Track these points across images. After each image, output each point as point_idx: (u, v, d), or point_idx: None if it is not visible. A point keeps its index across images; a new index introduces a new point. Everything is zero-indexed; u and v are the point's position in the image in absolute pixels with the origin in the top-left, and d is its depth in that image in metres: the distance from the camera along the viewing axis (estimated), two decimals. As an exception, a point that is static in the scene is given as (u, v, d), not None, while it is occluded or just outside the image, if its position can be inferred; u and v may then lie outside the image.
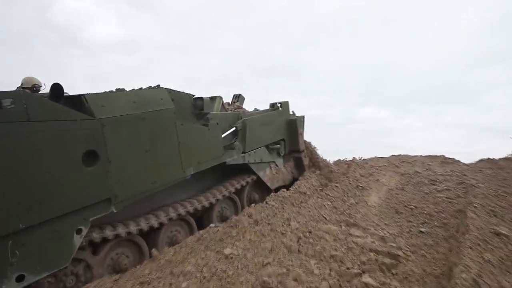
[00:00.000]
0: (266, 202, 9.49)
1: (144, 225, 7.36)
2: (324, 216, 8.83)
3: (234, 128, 9.81)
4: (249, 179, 10.10)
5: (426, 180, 11.31)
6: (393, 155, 14.88)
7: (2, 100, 5.52)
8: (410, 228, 8.37)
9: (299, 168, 11.88)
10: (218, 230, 8.01)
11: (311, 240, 7.52)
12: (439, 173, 11.94)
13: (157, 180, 7.27)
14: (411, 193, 10.42)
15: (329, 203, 9.70)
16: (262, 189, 10.66)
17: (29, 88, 7.84)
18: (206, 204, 8.70)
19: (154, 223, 7.56)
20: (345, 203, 9.78)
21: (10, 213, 5.52)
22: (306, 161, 11.94)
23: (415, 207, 9.47)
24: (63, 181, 6.02)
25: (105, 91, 7.12)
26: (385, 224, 8.60)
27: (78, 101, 6.59)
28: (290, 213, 8.82)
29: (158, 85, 8.19)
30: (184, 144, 7.89)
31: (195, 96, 8.57)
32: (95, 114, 6.51)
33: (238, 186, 9.68)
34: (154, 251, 7.23)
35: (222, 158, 8.98)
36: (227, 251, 7.14)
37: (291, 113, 11.81)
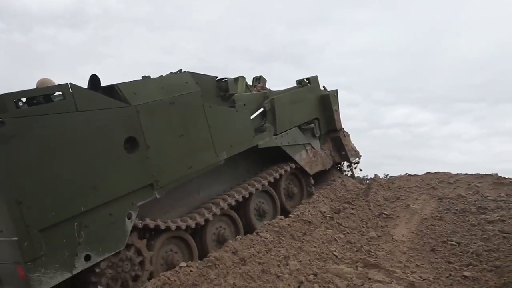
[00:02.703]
0: (257, 233, 9.30)
1: (191, 222, 8.91)
2: (335, 253, 8.95)
3: (262, 109, 10.87)
4: (287, 168, 11.05)
5: (473, 207, 10.92)
6: (428, 173, 14.57)
7: (53, 93, 7.51)
8: (450, 272, 8.34)
9: (339, 150, 12.73)
10: (191, 271, 8.00)
11: (316, 286, 7.62)
12: (490, 197, 11.40)
13: (193, 165, 8.88)
14: (452, 225, 10.19)
15: (341, 236, 9.72)
16: (301, 184, 11.61)
17: None
18: (246, 194, 10.01)
19: (200, 220, 9.05)
20: (363, 236, 9.87)
21: (72, 196, 7.25)
22: (346, 141, 12.77)
23: (458, 243, 9.37)
24: (110, 167, 7.72)
25: (135, 80, 8.73)
26: (417, 265, 8.73)
27: (112, 90, 8.20)
28: (289, 249, 8.83)
29: (180, 70, 9.77)
30: (215, 127, 9.30)
31: (218, 78, 9.91)
32: (129, 101, 8.18)
33: (277, 175, 10.76)
34: None
35: (254, 141, 10.22)
36: (202, 303, 7.33)
37: (321, 88, 12.60)
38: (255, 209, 10.27)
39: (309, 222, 10.04)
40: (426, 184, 13.03)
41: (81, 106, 7.52)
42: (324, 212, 10.68)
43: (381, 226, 10.31)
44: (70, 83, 7.50)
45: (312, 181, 11.67)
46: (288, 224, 9.72)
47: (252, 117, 10.51)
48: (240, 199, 9.81)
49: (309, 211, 10.52)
